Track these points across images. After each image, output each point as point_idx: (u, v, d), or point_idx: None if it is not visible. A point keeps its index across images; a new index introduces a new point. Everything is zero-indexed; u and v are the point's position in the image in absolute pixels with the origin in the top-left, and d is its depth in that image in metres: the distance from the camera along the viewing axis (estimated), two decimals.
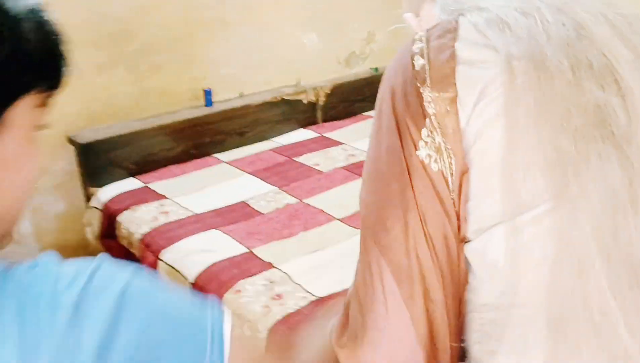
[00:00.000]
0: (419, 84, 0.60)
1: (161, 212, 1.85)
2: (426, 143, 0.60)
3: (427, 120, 0.60)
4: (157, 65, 2.20)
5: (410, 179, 0.60)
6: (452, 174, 0.61)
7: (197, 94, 2.33)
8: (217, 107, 2.35)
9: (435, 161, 0.60)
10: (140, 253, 1.75)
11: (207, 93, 2.34)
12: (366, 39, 2.81)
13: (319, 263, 1.50)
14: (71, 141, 2.06)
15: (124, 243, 1.85)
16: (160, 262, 1.64)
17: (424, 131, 0.60)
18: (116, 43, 2.09)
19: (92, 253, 2.08)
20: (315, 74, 2.66)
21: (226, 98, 2.41)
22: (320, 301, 1.33)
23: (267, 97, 2.46)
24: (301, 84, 2.61)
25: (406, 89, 0.61)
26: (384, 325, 0.61)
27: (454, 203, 0.62)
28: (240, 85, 2.45)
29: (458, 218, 0.62)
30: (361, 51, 2.81)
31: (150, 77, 2.20)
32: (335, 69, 2.74)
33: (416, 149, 0.60)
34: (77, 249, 2.17)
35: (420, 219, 0.59)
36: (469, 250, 0.62)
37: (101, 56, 2.06)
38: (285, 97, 2.50)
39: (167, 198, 1.95)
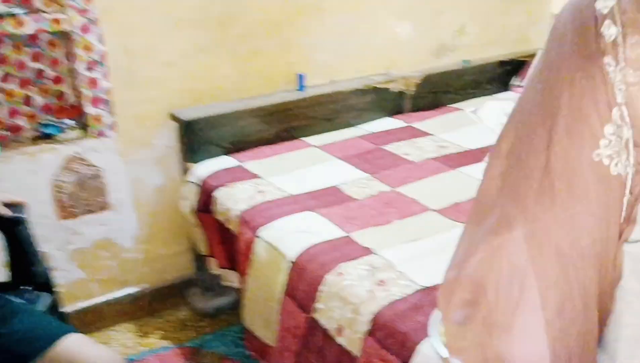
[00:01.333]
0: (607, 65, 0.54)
1: (258, 191, 1.91)
2: (609, 141, 0.57)
3: (615, 111, 0.57)
4: (255, 49, 2.26)
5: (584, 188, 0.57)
6: (631, 174, 0.59)
7: (291, 78, 2.38)
8: (308, 92, 2.39)
9: (616, 164, 0.57)
10: (238, 229, 1.81)
11: (300, 78, 2.38)
12: (458, 30, 2.77)
13: (419, 252, 1.51)
14: (173, 118, 2.14)
15: (220, 218, 1.92)
16: (257, 239, 1.70)
17: (609, 128, 0.57)
18: (220, 26, 2.15)
19: (186, 225, 2.17)
20: (406, 63, 2.65)
21: (317, 83, 2.44)
22: (426, 291, 1.35)
23: (357, 85, 2.48)
24: (391, 73, 2.61)
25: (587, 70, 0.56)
26: (531, 319, 0.60)
27: (626, 206, 0.60)
28: (332, 71, 2.47)
29: (627, 220, 0.60)
30: (452, 43, 2.77)
31: (249, 60, 2.25)
32: (426, 59, 2.72)
33: (595, 149, 0.58)
34: (172, 221, 2.27)
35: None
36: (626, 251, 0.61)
37: (206, 38, 2.14)
38: (375, 85, 2.51)
39: (261, 177, 2.00)
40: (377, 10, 2.50)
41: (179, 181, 2.21)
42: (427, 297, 1.33)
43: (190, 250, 2.32)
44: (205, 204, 2.02)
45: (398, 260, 1.47)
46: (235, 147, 2.20)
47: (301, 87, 2.39)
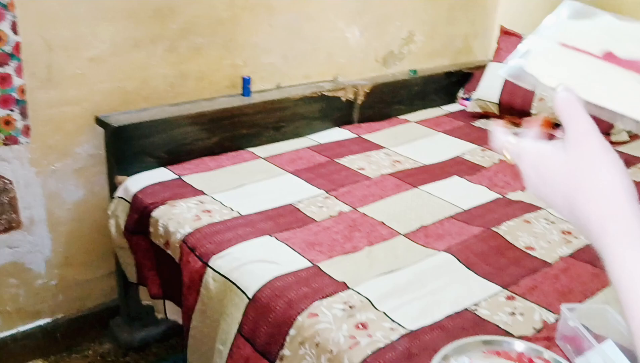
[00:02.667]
0: None
1: (203, 210, 1.66)
2: None
3: None
4: (197, 47, 2.00)
5: None
6: None
7: (235, 82, 2.14)
8: (254, 98, 2.17)
9: None
10: (181, 256, 1.56)
11: (246, 81, 2.16)
12: (406, 38, 2.66)
13: (398, 287, 1.34)
14: (100, 122, 1.85)
15: (159, 241, 1.66)
16: (209, 270, 1.46)
17: None
18: (157, 19, 1.88)
19: (110, 246, 1.88)
20: (354, 71, 2.50)
21: (263, 88, 2.23)
22: (414, 336, 1.18)
23: (306, 92, 2.29)
24: (339, 80, 2.44)
25: None
26: None
27: None
28: (279, 76, 2.27)
29: None
30: (399, 51, 2.66)
31: (189, 59, 2.00)
32: (373, 67, 2.58)
33: None
34: (93, 242, 1.96)
35: None
36: None
37: (140, 31, 1.86)
38: (324, 93, 2.33)
39: (205, 193, 1.76)
40: (327, 12, 2.33)
41: (104, 196, 1.92)
42: (415, 343, 1.17)
43: (114, 273, 2.02)
44: (136, 224, 1.74)
45: (376, 297, 1.30)
46: (173, 158, 1.94)
47: (246, 92, 2.16)
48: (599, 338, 1.12)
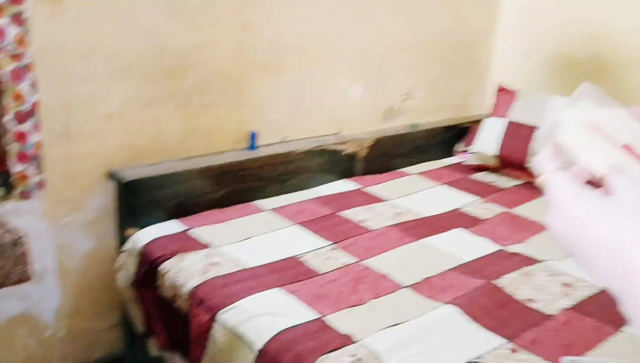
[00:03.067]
0: None
1: (210, 263, 1.70)
2: None
3: None
4: (207, 104, 2.09)
5: None
6: None
7: (242, 136, 2.22)
8: (261, 152, 2.24)
9: None
10: (189, 309, 1.59)
11: (253, 136, 2.23)
12: (406, 94, 2.76)
13: (404, 339, 1.37)
14: (111, 177, 1.91)
15: (168, 294, 1.69)
16: (216, 323, 1.49)
17: None
18: (170, 77, 1.97)
19: (118, 297, 1.91)
20: (357, 125, 2.58)
21: (269, 142, 2.30)
22: None
23: (310, 146, 2.36)
24: (342, 135, 2.52)
25: None
26: None
27: None
28: (284, 130, 2.35)
29: None
30: (400, 106, 2.75)
31: (198, 115, 2.08)
32: (375, 122, 2.67)
33: None
34: (101, 293, 1.99)
35: None
36: None
37: (153, 89, 1.94)
38: (328, 147, 2.40)
39: (212, 246, 1.81)
40: (331, 69, 2.43)
41: (113, 248, 1.96)
42: None
43: (121, 324, 2.04)
44: (145, 277, 1.78)
45: (383, 350, 1.32)
46: (181, 210, 1.99)
47: (253, 146, 2.23)
48: None
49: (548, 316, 1.51)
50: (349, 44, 2.45)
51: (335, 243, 1.88)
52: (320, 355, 1.30)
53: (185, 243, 1.81)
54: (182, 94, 2.01)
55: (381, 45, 2.57)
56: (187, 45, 1.97)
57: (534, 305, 1.56)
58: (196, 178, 2.04)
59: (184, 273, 1.66)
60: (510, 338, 1.41)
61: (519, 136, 2.56)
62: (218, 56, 2.07)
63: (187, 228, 1.91)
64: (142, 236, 1.85)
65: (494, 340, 1.40)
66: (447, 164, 2.75)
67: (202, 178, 2.05)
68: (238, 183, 2.15)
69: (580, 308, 1.55)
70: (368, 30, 2.50)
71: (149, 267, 1.77)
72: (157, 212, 1.95)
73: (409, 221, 2.09)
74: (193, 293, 1.59)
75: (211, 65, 2.05)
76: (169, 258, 1.73)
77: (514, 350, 1.37)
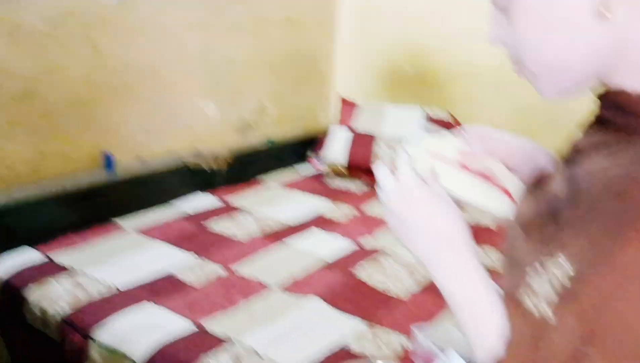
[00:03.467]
0: None
1: (77, 287, 1.69)
2: None
3: None
4: (58, 128, 2.05)
5: None
6: None
7: (97, 159, 2.20)
8: (118, 173, 2.24)
9: None
10: (61, 336, 1.57)
11: (108, 158, 2.22)
12: (258, 110, 2.91)
13: (277, 334, 1.50)
14: None
15: (36, 324, 1.64)
16: (93, 343, 1.50)
17: None
18: (16, 103, 1.91)
19: None
20: (214, 141, 2.67)
21: (126, 163, 2.30)
22: None
23: (169, 163, 2.41)
24: (200, 151, 2.60)
25: None
26: None
27: None
28: (141, 150, 2.37)
29: None
30: (253, 121, 2.89)
31: (49, 140, 2.03)
32: (232, 137, 2.78)
33: None
34: None
35: None
36: None
37: (0, 117, 1.87)
38: (187, 163, 2.46)
39: (76, 270, 1.79)
40: (184, 88, 2.50)
41: None
42: None
43: None
44: (8, 309, 1.71)
45: (260, 346, 1.44)
46: (38, 239, 1.93)
47: (109, 168, 2.22)
48: (445, 352, 1.37)
49: (398, 297, 1.73)
50: (199, 63, 2.54)
51: (203, 255, 1.96)
52: (202, 358, 1.38)
53: (47, 270, 1.77)
54: (30, 119, 1.95)
55: (230, 63, 2.69)
56: (34, 70, 1.93)
57: (384, 288, 1.77)
58: (52, 203, 1.99)
59: (51, 299, 1.63)
60: (368, 319, 1.60)
61: (363, 143, 2.83)
62: (68, 79, 2.04)
63: (47, 254, 1.86)
64: (1, 268, 1.77)
65: (354, 322, 1.58)
66: (302, 174, 2.94)
67: (58, 203, 2.01)
68: (97, 206, 2.13)
69: (425, 288, 1.80)
70: (216, 49, 2.61)
71: (11, 299, 1.70)
72: (12, 243, 1.87)
73: (272, 228, 2.22)
74: (63, 318, 1.57)
75: (61, 89, 2.02)
76: (32, 287, 1.68)
77: (372, 329, 1.56)
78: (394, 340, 1.51)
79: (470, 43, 2.88)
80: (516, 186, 0.76)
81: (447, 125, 2.80)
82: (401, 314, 1.64)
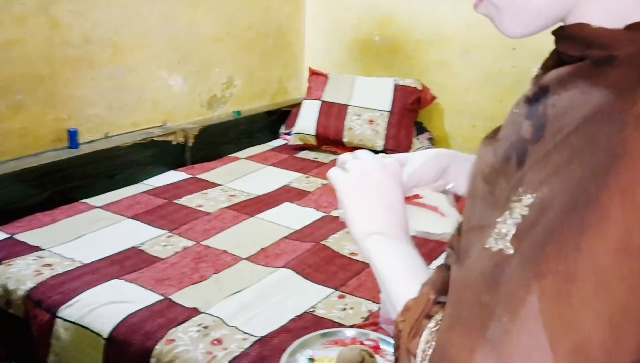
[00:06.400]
0: None
1: (43, 265, 1.66)
2: None
3: None
4: (17, 105, 1.99)
5: None
6: None
7: (61, 136, 2.15)
8: (83, 150, 2.19)
9: None
10: (27, 313, 1.55)
11: (72, 134, 2.17)
12: (226, 83, 2.87)
13: (245, 303, 1.49)
14: None
15: (1, 303, 1.62)
16: (58, 320, 1.48)
17: None
18: None
19: None
20: (182, 116, 2.63)
21: (92, 140, 2.26)
22: (263, 342, 1.34)
23: (136, 139, 2.37)
24: (168, 126, 2.56)
25: None
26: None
27: None
28: (107, 126, 2.32)
29: None
30: (222, 95, 2.85)
31: (10, 117, 1.98)
32: (200, 111, 2.74)
33: None
34: None
35: None
36: None
37: None
38: (154, 138, 2.43)
39: (42, 249, 1.76)
40: (148, 62, 2.45)
41: None
42: (266, 347, 1.33)
43: None
44: None
45: (227, 315, 1.44)
46: (2, 218, 1.89)
47: (74, 145, 2.18)
48: None
49: (367, 265, 1.74)
50: (164, 36, 2.49)
51: (172, 230, 1.94)
52: (168, 330, 1.37)
53: (11, 249, 1.73)
54: None
55: (195, 36, 2.64)
56: None
57: (355, 258, 1.78)
58: (14, 182, 1.94)
59: (15, 278, 1.60)
60: (338, 287, 1.61)
61: (332, 114, 2.82)
62: (25, 54, 1.98)
63: (10, 234, 1.83)
64: None
65: (324, 291, 1.59)
66: (272, 147, 2.92)
67: (20, 182, 1.96)
68: (62, 184, 2.09)
69: None
70: (181, 21, 2.55)
71: None
72: None
73: (242, 201, 2.21)
74: (28, 296, 1.55)
75: (18, 64, 1.96)
76: None
77: (341, 296, 1.57)
78: (362, 306, 1.52)
79: (438, 11, 2.87)
80: (442, 200, 0.79)
81: (416, 92, 2.80)
82: (371, 282, 1.65)
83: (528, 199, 0.47)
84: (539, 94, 0.56)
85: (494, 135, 0.67)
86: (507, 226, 0.48)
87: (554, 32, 0.59)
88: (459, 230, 0.63)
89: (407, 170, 0.75)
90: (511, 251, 0.47)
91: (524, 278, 0.44)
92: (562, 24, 0.58)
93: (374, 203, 0.67)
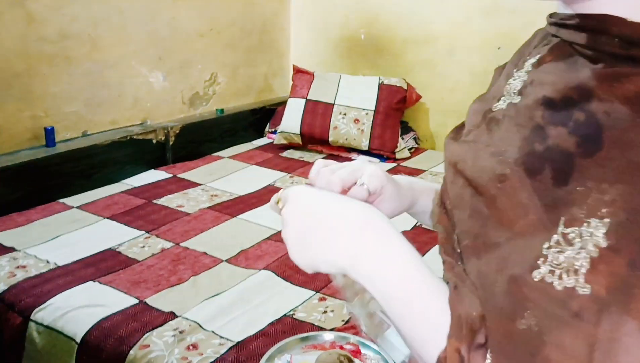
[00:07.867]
0: None
1: (17, 266, 1.62)
2: None
3: None
4: None
5: None
6: None
7: (37, 134, 2.10)
8: (59, 148, 2.14)
9: None
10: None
11: (49, 132, 2.12)
12: (209, 80, 2.82)
13: (223, 307, 1.46)
14: None
15: None
16: (31, 323, 1.43)
17: None
18: None
19: None
20: (162, 113, 2.58)
21: (69, 138, 2.21)
22: (241, 346, 1.31)
23: (115, 137, 2.32)
24: (148, 124, 2.51)
25: None
26: None
27: None
28: (84, 124, 2.27)
29: None
30: (204, 92, 2.81)
31: None
32: (181, 109, 2.69)
33: None
34: None
35: None
36: None
37: None
38: (134, 136, 2.38)
39: (17, 249, 1.71)
40: (127, 58, 2.40)
41: None
42: (243, 352, 1.30)
43: None
44: None
45: (204, 319, 1.40)
46: None
47: (51, 143, 2.12)
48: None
49: None
50: (144, 31, 2.44)
51: (150, 231, 1.89)
52: (143, 334, 1.33)
53: None
54: None
55: (177, 31, 2.59)
56: None
57: None
58: None
59: None
60: (319, 289, 1.58)
61: (318, 113, 2.78)
62: None
63: None
64: None
65: (305, 293, 1.56)
66: (257, 146, 2.88)
67: None
68: (38, 183, 2.04)
69: None
70: (162, 16, 2.50)
71: None
72: None
73: (224, 201, 2.17)
74: (1, 298, 1.50)
75: None
76: None
77: (322, 299, 1.54)
78: (343, 309, 1.49)
79: (424, 10, 2.84)
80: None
81: (401, 91, 2.77)
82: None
83: (598, 226, 0.41)
84: (571, 97, 0.48)
85: (461, 132, 0.63)
86: (569, 258, 0.42)
87: (560, 20, 0.53)
88: (447, 232, 0.58)
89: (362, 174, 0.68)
90: (587, 291, 0.40)
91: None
92: (559, 12, 0.53)
93: (348, 206, 0.58)
